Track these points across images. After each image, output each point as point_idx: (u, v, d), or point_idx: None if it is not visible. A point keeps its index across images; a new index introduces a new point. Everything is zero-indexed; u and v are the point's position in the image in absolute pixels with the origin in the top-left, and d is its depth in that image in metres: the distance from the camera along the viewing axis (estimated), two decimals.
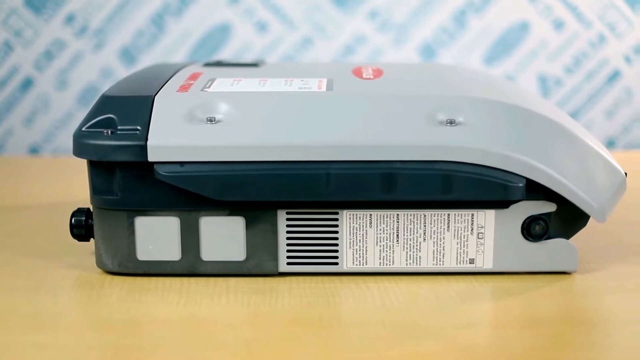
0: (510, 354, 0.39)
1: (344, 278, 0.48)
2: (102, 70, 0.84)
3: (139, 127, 0.46)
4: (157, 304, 0.44)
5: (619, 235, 0.55)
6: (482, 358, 0.38)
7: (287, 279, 0.47)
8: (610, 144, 0.88)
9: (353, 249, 0.47)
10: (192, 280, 0.47)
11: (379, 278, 0.47)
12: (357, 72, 0.52)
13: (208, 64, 0.56)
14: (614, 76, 0.86)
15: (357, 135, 0.45)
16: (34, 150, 0.86)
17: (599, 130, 0.87)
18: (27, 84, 0.84)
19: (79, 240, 0.49)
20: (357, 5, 0.83)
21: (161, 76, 0.51)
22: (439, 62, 0.85)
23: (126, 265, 0.47)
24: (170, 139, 0.45)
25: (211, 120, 0.46)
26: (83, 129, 0.46)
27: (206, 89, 0.48)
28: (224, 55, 0.84)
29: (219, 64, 0.56)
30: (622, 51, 0.86)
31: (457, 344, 0.40)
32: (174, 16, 0.83)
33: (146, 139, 0.45)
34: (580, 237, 0.54)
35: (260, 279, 0.47)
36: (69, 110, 0.84)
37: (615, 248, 0.52)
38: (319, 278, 0.47)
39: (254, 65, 0.56)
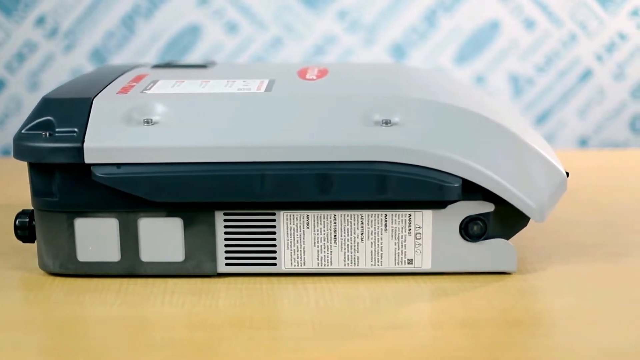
0: (437, 355, 0.39)
1: (283, 279, 0.48)
2: (73, 71, 0.84)
3: (76, 129, 0.46)
4: (93, 304, 0.45)
5: (567, 235, 0.55)
6: (405, 358, 0.38)
7: (226, 279, 0.48)
8: (582, 143, 0.87)
9: (291, 250, 0.47)
10: (132, 281, 0.48)
11: (317, 279, 0.48)
12: (302, 73, 0.53)
13: (157, 66, 0.56)
14: (586, 75, 0.86)
15: (292, 136, 0.45)
16: (6, 152, 0.86)
17: (572, 129, 0.87)
18: None
19: (24, 241, 0.49)
20: (327, 5, 0.83)
21: (106, 78, 0.51)
22: (399, 63, 0.85)
23: (67, 266, 0.48)
24: (107, 140, 0.45)
25: (148, 121, 0.46)
26: (23, 131, 0.47)
27: (146, 91, 0.48)
28: (194, 56, 0.84)
29: (168, 65, 0.57)
30: (594, 50, 0.85)
31: (383, 345, 0.40)
32: (144, 17, 0.83)
33: (83, 141, 0.45)
34: (527, 236, 0.54)
35: (199, 280, 0.48)
36: None
37: (560, 248, 0.52)
38: (257, 279, 0.48)
39: (202, 66, 0.56)
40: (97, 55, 0.84)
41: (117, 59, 0.84)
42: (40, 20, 0.83)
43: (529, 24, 0.84)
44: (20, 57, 0.84)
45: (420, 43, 0.85)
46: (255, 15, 0.83)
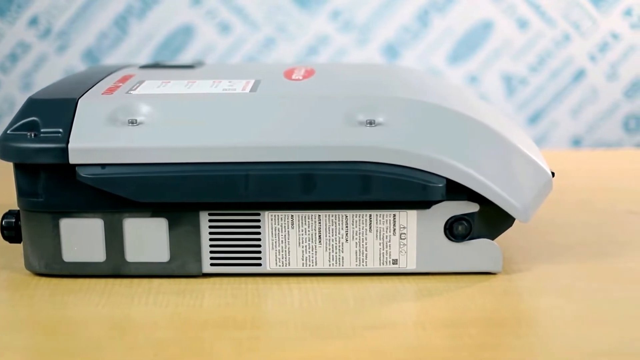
0: (419, 355, 0.39)
1: (268, 279, 0.48)
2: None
3: (61, 130, 0.46)
4: (77, 305, 0.45)
5: (553, 235, 0.55)
6: (388, 358, 0.38)
7: (211, 280, 0.48)
8: (575, 143, 0.87)
9: (275, 250, 0.47)
10: (117, 281, 0.48)
11: (302, 279, 0.48)
12: (288, 73, 0.53)
13: (144, 66, 0.56)
14: (579, 75, 0.86)
15: (276, 136, 0.45)
16: None
17: (565, 129, 0.87)
18: None
19: (10, 242, 0.49)
20: (319, 5, 0.83)
21: (93, 79, 0.52)
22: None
23: (52, 266, 0.48)
24: (92, 141, 0.45)
25: (132, 122, 0.46)
26: (8, 131, 0.47)
27: (131, 92, 0.48)
28: (187, 56, 0.84)
29: (155, 65, 0.57)
30: (587, 50, 0.85)
31: (366, 345, 0.40)
32: (136, 18, 0.83)
33: (67, 142, 0.45)
34: (513, 236, 0.54)
35: (184, 280, 0.48)
36: None
37: (546, 248, 0.52)
38: (242, 279, 0.48)
39: (190, 67, 0.56)
40: (90, 55, 0.84)
41: (110, 60, 0.84)
42: (33, 21, 0.83)
43: (522, 24, 0.84)
44: (14, 57, 0.84)
45: (413, 43, 0.85)
46: (248, 15, 0.83)
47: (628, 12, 0.85)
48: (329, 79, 0.51)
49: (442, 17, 0.84)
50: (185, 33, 0.84)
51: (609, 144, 0.87)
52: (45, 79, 0.84)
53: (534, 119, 0.87)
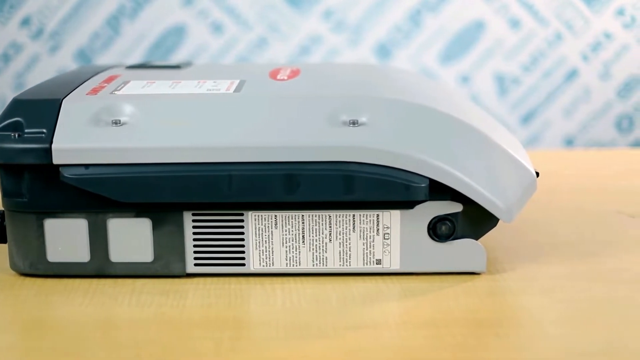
0: (399, 355, 0.39)
1: (252, 279, 0.48)
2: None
3: (44, 130, 0.46)
4: (62, 305, 0.45)
5: (539, 235, 0.55)
6: (368, 359, 0.38)
7: (195, 280, 0.48)
8: (568, 143, 0.87)
9: (259, 250, 0.47)
10: (101, 281, 0.48)
11: (286, 279, 0.48)
12: (274, 74, 0.53)
13: (131, 67, 0.56)
14: (572, 74, 0.86)
15: (259, 136, 0.45)
16: None
17: (558, 129, 0.87)
18: None
19: None
20: (312, 5, 0.83)
21: (79, 79, 0.52)
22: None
23: (37, 266, 0.48)
24: (75, 141, 0.46)
25: (116, 122, 0.46)
26: None
27: (116, 92, 0.48)
28: (179, 56, 0.84)
29: (142, 66, 0.57)
30: (580, 49, 0.85)
31: (347, 345, 0.40)
32: (128, 18, 0.83)
33: (51, 142, 0.45)
34: (498, 236, 0.54)
35: (168, 280, 0.48)
36: None
37: (531, 248, 0.52)
38: (226, 279, 0.48)
39: (176, 67, 0.56)
40: (83, 56, 0.84)
41: (103, 60, 0.84)
42: (26, 21, 0.83)
43: (514, 24, 0.84)
44: (6, 57, 0.84)
45: (405, 43, 0.85)
46: (240, 15, 0.84)
47: (621, 12, 0.84)
48: (314, 79, 0.51)
49: (434, 16, 0.84)
50: (178, 33, 0.84)
51: (602, 144, 0.87)
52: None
53: (526, 118, 0.87)
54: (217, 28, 0.84)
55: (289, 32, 0.84)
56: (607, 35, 0.85)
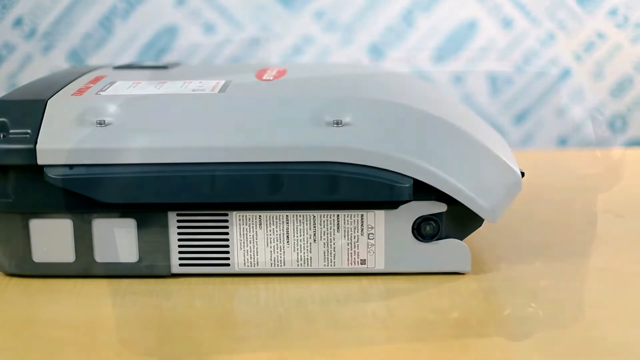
0: (379, 355, 0.39)
1: (237, 279, 0.48)
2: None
3: (29, 131, 0.46)
4: (47, 305, 0.45)
5: (525, 235, 0.55)
6: (347, 359, 0.38)
7: (180, 280, 0.48)
8: (562, 143, 0.87)
9: (244, 250, 0.47)
10: (86, 281, 0.48)
11: (270, 279, 0.48)
12: (260, 74, 0.53)
13: (118, 67, 0.56)
14: (565, 74, 0.86)
15: (242, 137, 0.45)
16: None
17: (550, 128, 0.87)
18: None
19: None
20: (304, 5, 0.83)
21: (65, 80, 0.52)
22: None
23: (22, 267, 0.48)
24: (60, 142, 0.46)
25: (100, 123, 0.46)
26: None
27: (101, 92, 0.48)
28: (172, 57, 0.84)
29: (129, 66, 0.57)
30: (572, 49, 0.85)
31: (328, 345, 0.40)
32: (121, 18, 0.83)
33: (36, 143, 0.45)
34: (483, 237, 0.54)
35: (153, 281, 0.48)
36: None
37: (516, 248, 0.52)
38: (211, 279, 0.48)
39: (163, 67, 0.56)
40: (75, 56, 0.84)
41: (95, 60, 0.84)
42: (18, 22, 0.83)
43: (507, 23, 0.84)
44: None
45: (398, 43, 0.85)
46: (232, 15, 0.84)
47: (613, 12, 0.84)
48: (300, 80, 0.51)
49: (427, 16, 0.84)
50: (170, 33, 0.84)
51: (595, 144, 0.87)
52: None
53: (519, 118, 0.87)
54: (209, 28, 0.84)
55: (281, 33, 0.84)
56: (600, 35, 0.85)
